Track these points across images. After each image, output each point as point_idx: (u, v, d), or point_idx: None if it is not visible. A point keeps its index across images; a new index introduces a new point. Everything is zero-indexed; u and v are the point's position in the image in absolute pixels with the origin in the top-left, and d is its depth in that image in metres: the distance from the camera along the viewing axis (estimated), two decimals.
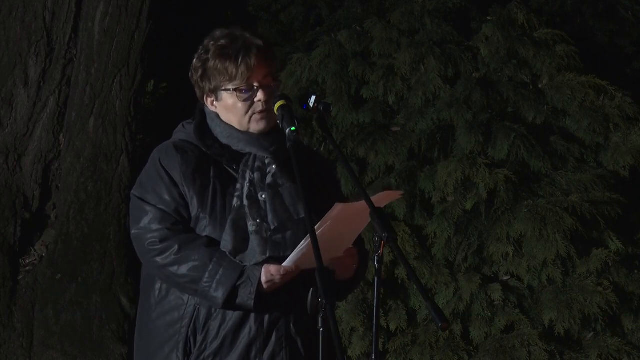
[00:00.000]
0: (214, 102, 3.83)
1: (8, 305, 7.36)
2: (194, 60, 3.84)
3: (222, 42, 3.78)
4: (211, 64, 3.77)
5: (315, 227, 3.43)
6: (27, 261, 7.58)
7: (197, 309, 3.72)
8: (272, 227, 3.71)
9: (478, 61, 7.83)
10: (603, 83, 7.69)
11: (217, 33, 3.82)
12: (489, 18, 7.97)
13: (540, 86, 7.76)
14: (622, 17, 9.11)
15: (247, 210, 3.71)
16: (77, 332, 7.29)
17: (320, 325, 3.24)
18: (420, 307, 7.21)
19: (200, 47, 3.83)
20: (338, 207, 3.53)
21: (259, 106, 3.77)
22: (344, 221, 3.59)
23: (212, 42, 3.80)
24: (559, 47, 7.82)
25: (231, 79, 3.76)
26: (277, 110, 3.68)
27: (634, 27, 9.09)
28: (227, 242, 3.68)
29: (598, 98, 7.65)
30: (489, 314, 7.07)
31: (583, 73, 7.73)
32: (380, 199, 3.57)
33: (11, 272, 7.48)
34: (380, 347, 7.12)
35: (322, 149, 7.47)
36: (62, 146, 7.79)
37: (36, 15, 7.82)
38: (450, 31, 7.92)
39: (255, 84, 3.76)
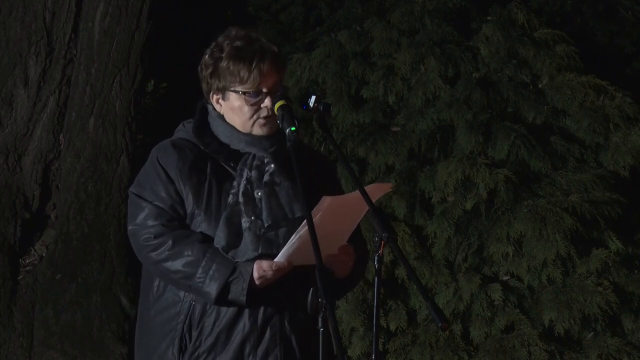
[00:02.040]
0: (220, 100, 3.83)
1: (8, 305, 7.35)
2: (206, 56, 3.81)
3: (238, 43, 3.75)
4: (224, 63, 3.75)
5: (305, 221, 3.41)
6: (27, 261, 7.57)
7: (192, 306, 3.73)
8: (266, 225, 3.71)
9: (478, 61, 7.83)
10: (603, 83, 7.69)
11: (233, 33, 3.80)
12: (489, 18, 7.97)
13: (540, 86, 7.76)
14: (622, 17, 9.11)
15: (242, 207, 3.72)
16: (77, 332, 7.29)
17: (320, 325, 3.23)
18: (420, 307, 7.21)
19: (214, 44, 3.81)
20: (327, 201, 3.52)
21: (264, 112, 3.76)
22: (335, 215, 3.58)
23: (227, 42, 3.77)
24: (559, 47, 7.82)
25: (242, 82, 3.74)
26: (277, 110, 3.68)
27: (634, 27, 9.09)
28: (220, 238, 3.69)
29: (598, 98, 7.65)
30: (489, 314, 7.07)
31: (583, 73, 7.73)
32: (371, 192, 3.56)
33: (11, 272, 7.47)
34: (380, 347, 7.12)
35: (322, 149, 7.46)
36: (62, 146, 7.78)
37: (36, 15, 7.81)
38: (450, 31, 7.92)
39: (265, 90, 3.75)
